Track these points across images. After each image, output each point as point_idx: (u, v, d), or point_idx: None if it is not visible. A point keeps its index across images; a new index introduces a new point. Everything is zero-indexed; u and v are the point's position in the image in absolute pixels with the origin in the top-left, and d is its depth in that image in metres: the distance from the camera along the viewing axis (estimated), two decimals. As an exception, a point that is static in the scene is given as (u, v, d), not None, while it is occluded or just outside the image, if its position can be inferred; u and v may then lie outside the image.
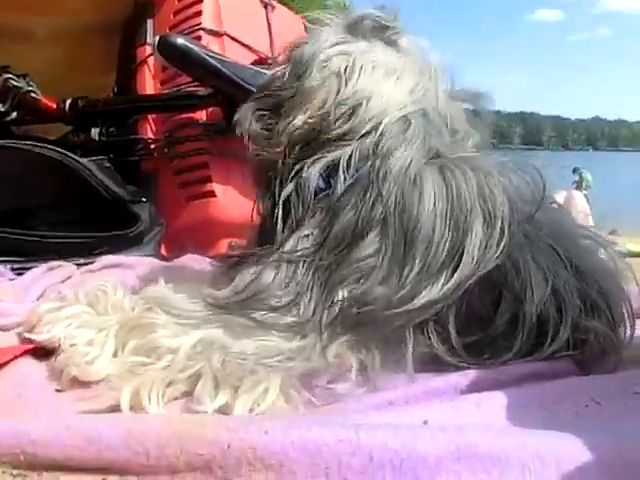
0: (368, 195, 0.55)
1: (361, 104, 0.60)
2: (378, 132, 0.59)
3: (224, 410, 0.43)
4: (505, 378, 0.52)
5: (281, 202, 0.58)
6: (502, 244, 0.53)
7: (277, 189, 0.60)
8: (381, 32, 0.66)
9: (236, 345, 0.49)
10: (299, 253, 0.55)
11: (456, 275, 0.52)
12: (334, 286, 0.53)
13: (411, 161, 0.57)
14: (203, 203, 1.33)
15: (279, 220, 0.58)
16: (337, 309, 0.52)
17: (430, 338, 0.53)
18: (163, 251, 1.29)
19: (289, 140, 0.61)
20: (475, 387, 0.50)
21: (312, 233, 0.56)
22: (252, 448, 0.34)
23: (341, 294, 0.52)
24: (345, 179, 0.57)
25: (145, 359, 0.49)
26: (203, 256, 1.14)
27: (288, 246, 0.56)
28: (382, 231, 0.54)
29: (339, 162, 0.58)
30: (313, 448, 0.34)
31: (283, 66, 0.67)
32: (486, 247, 0.53)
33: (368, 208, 0.54)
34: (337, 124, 0.60)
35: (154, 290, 0.58)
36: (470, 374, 0.51)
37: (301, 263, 0.54)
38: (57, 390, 0.50)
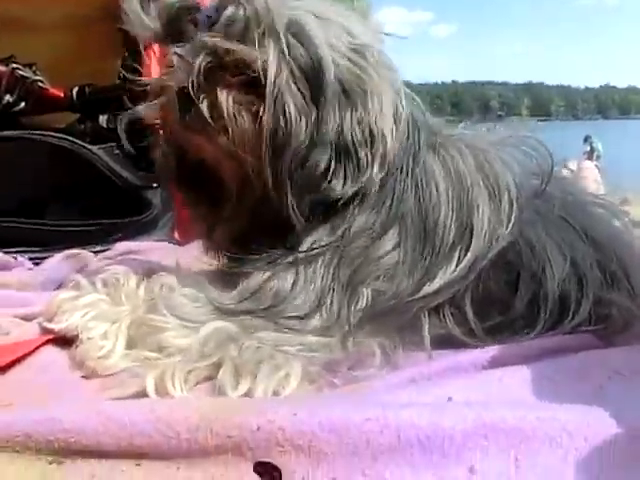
0: (388, 190, 0.54)
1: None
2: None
3: (248, 396, 0.43)
4: (526, 353, 0.51)
5: (291, 203, 0.55)
6: (512, 218, 0.53)
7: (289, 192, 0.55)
8: None
9: (249, 338, 0.48)
10: (317, 251, 0.52)
11: (469, 254, 0.52)
12: (357, 286, 0.51)
13: (419, 148, 0.55)
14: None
15: (295, 221, 0.54)
16: (362, 309, 0.51)
17: (446, 321, 0.52)
18: (176, 235, 1.30)
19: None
20: (496, 363, 0.50)
21: (329, 232, 0.54)
22: (281, 429, 0.34)
23: (366, 293, 0.51)
24: (365, 177, 0.54)
25: (157, 355, 0.49)
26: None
27: (305, 246, 0.53)
28: (400, 225, 0.53)
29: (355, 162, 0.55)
30: (341, 427, 0.34)
31: None
32: (495, 223, 0.53)
33: (388, 204, 0.53)
34: None
35: (162, 283, 0.56)
36: (491, 350, 0.51)
37: (319, 264, 0.52)
38: (83, 377, 0.50)
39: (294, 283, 0.51)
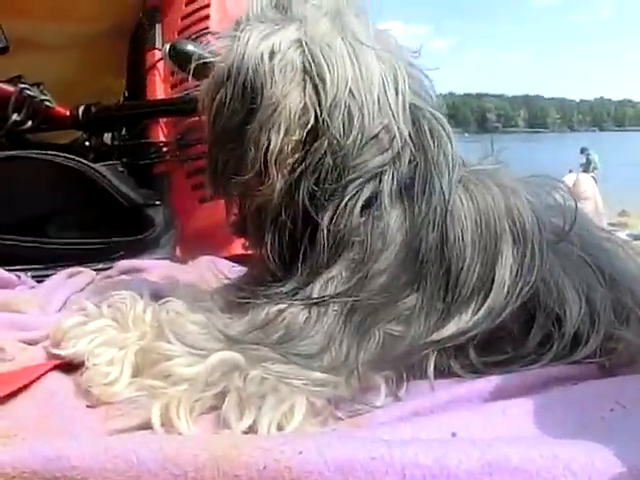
0: (406, 230, 0.52)
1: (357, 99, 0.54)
2: (400, 141, 0.54)
3: (252, 430, 0.43)
4: (529, 383, 0.52)
5: (294, 243, 0.54)
6: (534, 269, 0.51)
7: (291, 229, 0.55)
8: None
9: (254, 368, 0.48)
10: (329, 298, 0.51)
11: (487, 303, 0.51)
12: (369, 328, 0.50)
13: (451, 178, 0.53)
14: (216, 204, 1.33)
15: (299, 261, 0.54)
16: (372, 350, 0.50)
17: (448, 358, 0.52)
18: (178, 253, 1.30)
19: (279, 171, 0.54)
20: (500, 393, 0.50)
21: (341, 274, 0.52)
22: (287, 468, 0.34)
23: (378, 335, 0.50)
24: (383, 212, 0.53)
25: (162, 383, 0.49)
26: (217, 256, 1.15)
27: (316, 290, 0.52)
28: (421, 267, 0.51)
29: (378, 193, 0.53)
30: (347, 467, 0.35)
31: (210, 89, 0.59)
32: (517, 273, 0.51)
33: (406, 244, 0.51)
34: (337, 132, 0.53)
35: (170, 309, 0.57)
36: (494, 380, 0.51)
37: (331, 305, 0.50)
38: (88, 406, 0.51)
39: (305, 321, 0.50)
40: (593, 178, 5.98)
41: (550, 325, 0.53)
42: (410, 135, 0.55)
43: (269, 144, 0.54)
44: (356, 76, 0.54)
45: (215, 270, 0.75)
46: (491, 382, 0.51)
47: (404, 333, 0.50)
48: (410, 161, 0.54)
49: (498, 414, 0.46)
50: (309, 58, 0.54)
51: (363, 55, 0.55)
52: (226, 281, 0.66)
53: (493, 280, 0.52)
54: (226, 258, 1.14)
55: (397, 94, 0.55)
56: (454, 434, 0.42)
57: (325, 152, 0.53)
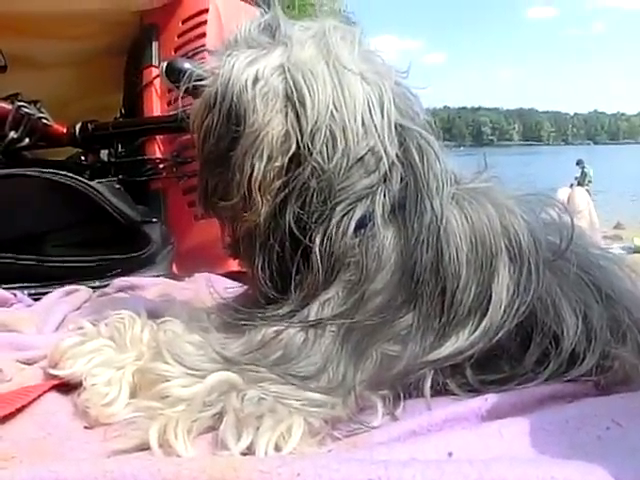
0: (401, 249, 0.52)
1: (337, 123, 0.54)
2: (386, 161, 0.54)
3: (250, 450, 0.43)
4: (526, 401, 0.52)
5: (289, 264, 0.54)
6: (531, 289, 0.52)
7: (279, 252, 0.55)
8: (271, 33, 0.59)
9: (252, 388, 0.48)
10: (326, 320, 0.51)
11: (484, 322, 0.51)
12: (366, 348, 0.50)
13: (442, 197, 0.53)
14: (212, 221, 1.34)
15: (293, 283, 0.54)
16: (369, 370, 0.50)
17: (445, 376, 0.52)
18: (175, 269, 1.30)
19: (263, 197, 0.55)
20: (496, 412, 0.50)
21: (337, 295, 0.52)
22: (285, 491, 0.34)
23: (374, 355, 0.50)
24: (376, 232, 0.52)
25: (160, 404, 0.49)
26: (213, 273, 1.15)
27: (313, 312, 0.52)
28: (416, 287, 0.51)
29: (370, 214, 0.53)
30: (345, 489, 0.35)
31: (199, 111, 0.60)
32: (514, 292, 0.52)
33: (401, 264, 0.51)
34: (320, 157, 0.53)
35: (167, 330, 0.57)
36: (490, 398, 0.51)
37: (328, 326, 0.51)
38: (86, 427, 0.51)
39: (302, 342, 0.50)
40: (587, 191, 6.03)
41: (547, 343, 0.53)
42: (397, 155, 0.55)
43: (252, 170, 0.54)
44: (339, 100, 0.55)
45: (211, 288, 0.75)
46: (487, 401, 0.51)
47: (401, 353, 0.50)
48: (400, 181, 0.55)
49: (495, 434, 0.46)
50: (291, 84, 0.55)
51: (346, 78, 0.56)
52: (222, 301, 0.66)
53: (490, 300, 0.52)
54: (222, 275, 1.14)
55: (383, 115, 0.56)
56: (450, 454, 0.42)
57: (309, 177, 0.53)
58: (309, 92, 0.54)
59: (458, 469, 0.37)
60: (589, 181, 7.56)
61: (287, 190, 0.54)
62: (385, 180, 0.54)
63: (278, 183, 0.55)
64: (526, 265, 0.52)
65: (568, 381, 0.54)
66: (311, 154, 0.53)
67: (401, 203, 0.54)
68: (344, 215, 0.53)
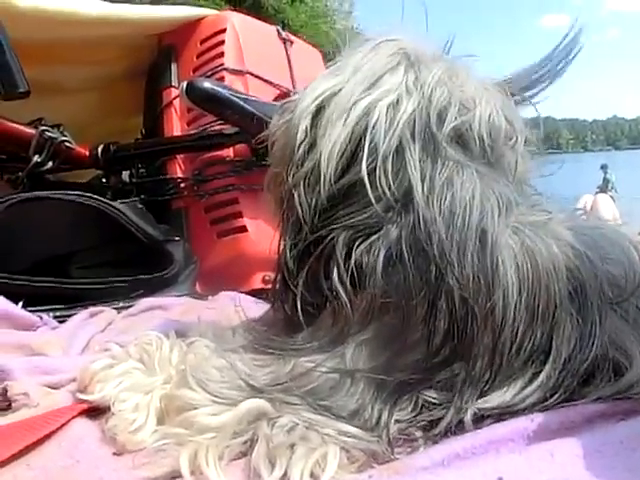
0: (441, 283, 0.46)
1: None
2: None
3: (285, 479, 0.41)
4: (573, 420, 0.49)
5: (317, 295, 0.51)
6: (594, 343, 0.47)
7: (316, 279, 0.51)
8: None
9: (283, 416, 0.45)
10: (362, 372, 0.47)
11: (540, 378, 0.47)
12: (405, 394, 0.46)
13: (487, 223, 0.47)
14: (235, 239, 1.34)
15: (327, 318, 0.50)
16: (406, 415, 0.46)
17: None
18: (198, 288, 1.30)
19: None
20: (544, 432, 0.47)
21: (375, 339, 0.48)
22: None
23: (413, 401, 0.46)
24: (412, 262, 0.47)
25: (188, 431, 0.47)
26: (236, 291, 1.14)
27: (348, 354, 0.47)
28: (461, 326, 0.46)
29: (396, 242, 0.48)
30: (392, 520, 0.32)
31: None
32: (576, 346, 0.47)
33: (444, 302, 0.46)
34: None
35: (196, 352, 0.55)
36: (537, 418, 0.48)
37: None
38: (114, 454, 0.49)
39: (335, 384, 0.47)
40: (611, 197, 5.91)
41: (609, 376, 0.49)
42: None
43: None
44: None
45: (237, 307, 0.74)
46: (534, 421, 0.48)
47: (442, 401, 0.46)
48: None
49: (545, 456, 0.43)
50: None
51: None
52: (248, 321, 0.64)
53: (549, 353, 0.47)
54: (246, 293, 1.13)
55: None
56: (501, 479, 0.39)
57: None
58: None
59: (512, 496, 0.35)
60: (612, 187, 7.42)
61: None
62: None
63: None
64: (591, 317, 0.47)
65: (616, 398, 0.51)
66: None
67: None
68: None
